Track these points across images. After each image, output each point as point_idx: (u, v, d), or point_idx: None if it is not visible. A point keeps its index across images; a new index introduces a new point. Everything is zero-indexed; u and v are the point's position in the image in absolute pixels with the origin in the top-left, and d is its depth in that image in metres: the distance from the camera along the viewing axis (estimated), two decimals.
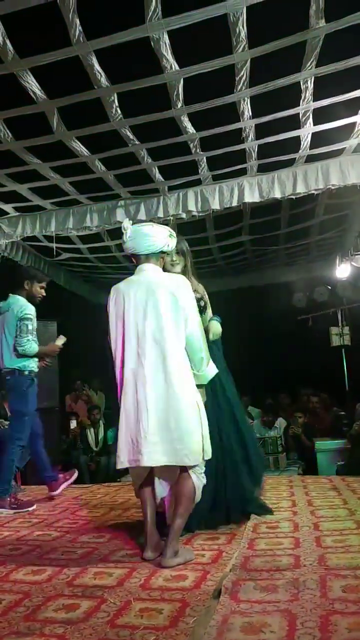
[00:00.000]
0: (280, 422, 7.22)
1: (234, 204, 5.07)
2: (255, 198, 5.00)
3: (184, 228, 6.29)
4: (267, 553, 2.49)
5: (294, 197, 4.97)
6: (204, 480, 2.62)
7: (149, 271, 2.67)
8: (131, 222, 2.79)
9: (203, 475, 2.61)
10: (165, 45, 3.14)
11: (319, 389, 8.25)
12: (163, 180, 4.97)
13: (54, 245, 6.28)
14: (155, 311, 2.55)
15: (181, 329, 2.54)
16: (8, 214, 5.58)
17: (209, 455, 2.59)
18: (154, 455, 2.45)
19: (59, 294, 8.40)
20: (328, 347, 8.51)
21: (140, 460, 2.47)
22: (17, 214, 5.60)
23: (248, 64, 3.33)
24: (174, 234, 2.76)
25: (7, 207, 5.45)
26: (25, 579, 2.33)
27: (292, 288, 9.17)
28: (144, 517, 2.65)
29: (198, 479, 2.56)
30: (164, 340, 2.52)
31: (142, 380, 2.51)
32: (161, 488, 2.71)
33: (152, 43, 3.11)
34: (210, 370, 2.65)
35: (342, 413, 7.21)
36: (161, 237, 2.68)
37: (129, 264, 7.13)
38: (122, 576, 2.29)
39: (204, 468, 2.62)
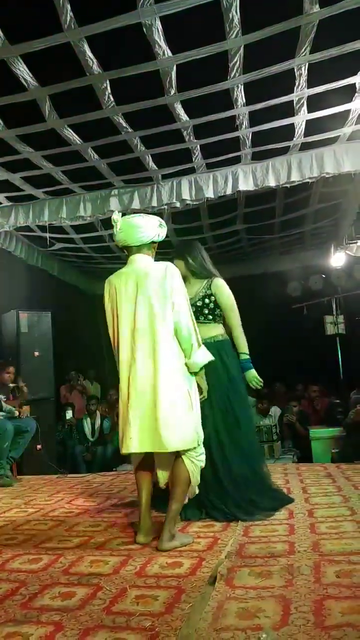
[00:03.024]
0: (275, 411, 7.24)
1: (228, 192, 5.05)
2: (250, 186, 4.98)
3: (178, 217, 6.28)
4: (262, 540, 2.51)
5: (288, 185, 4.96)
6: (202, 464, 2.65)
7: (139, 262, 2.70)
8: (120, 214, 2.80)
9: (199, 458, 2.64)
10: (158, 32, 3.10)
11: (313, 378, 8.28)
12: (157, 168, 4.94)
13: (48, 235, 6.25)
14: (144, 302, 2.57)
15: (169, 317, 2.56)
16: (0, 203, 5.54)
17: (200, 440, 2.62)
18: (143, 442, 2.51)
19: (53, 285, 8.38)
20: (323, 336, 8.53)
21: (130, 446, 2.52)
22: (10, 203, 5.56)
23: (241, 50, 3.30)
24: (164, 223, 2.78)
25: (0, 197, 5.41)
26: (21, 567, 2.34)
27: (287, 277, 9.15)
28: (138, 500, 2.71)
29: (192, 464, 2.60)
30: (154, 330, 2.55)
31: (133, 371, 2.55)
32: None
33: (144, 29, 3.07)
34: (201, 357, 2.63)
35: (337, 401, 7.23)
36: (152, 228, 2.70)
37: (122, 253, 7.11)
38: (117, 564, 2.30)
39: (201, 451, 2.64)
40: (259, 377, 3.28)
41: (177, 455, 2.58)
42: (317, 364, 8.83)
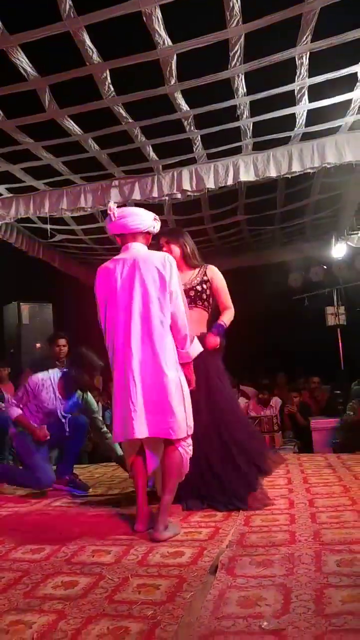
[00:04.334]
0: (276, 402, 7.26)
1: (229, 182, 5.02)
2: (251, 177, 4.95)
3: (178, 208, 6.26)
4: (263, 529, 2.52)
5: (289, 175, 4.93)
6: (190, 452, 2.67)
7: (136, 249, 2.71)
8: (116, 205, 2.83)
9: (190, 447, 2.66)
10: (158, 20, 3.08)
11: (314, 369, 8.29)
12: (157, 159, 4.91)
13: (48, 226, 6.22)
14: (141, 288, 2.58)
15: (166, 306, 2.57)
16: (1, 195, 5.53)
17: (191, 430, 2.63)
18: (142, 428, 2.51)
19: (54, 276, 8.36)
20: (323, 327, 8.53)
21: (130, 433, 2.52)
22: (10, 195, 5.54)
23: (242, 39, 3.27)
24: (158, 217, 2.80)
25: (0, 188, 5.39)
26: (24, 557, 2.36)
27: (288, 268, 9.13)
28: (135, 489, 2.74)
29: (185, 451, 2.62)
30: (150, 317, 2.56)
31: (129, 357, 2.55)
32: (152, 462, 2.75)
33: (144, 18, 3.05)
34: (194, 348, 2.66)
35: (338, 392, 7.25)
36: (147, 217, 2.74)
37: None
38: (119, 553, 2.31)
39: (190, 441, 2.66)
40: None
41: (169, 443, 2.59)
42: (318, 355, 8.84)
